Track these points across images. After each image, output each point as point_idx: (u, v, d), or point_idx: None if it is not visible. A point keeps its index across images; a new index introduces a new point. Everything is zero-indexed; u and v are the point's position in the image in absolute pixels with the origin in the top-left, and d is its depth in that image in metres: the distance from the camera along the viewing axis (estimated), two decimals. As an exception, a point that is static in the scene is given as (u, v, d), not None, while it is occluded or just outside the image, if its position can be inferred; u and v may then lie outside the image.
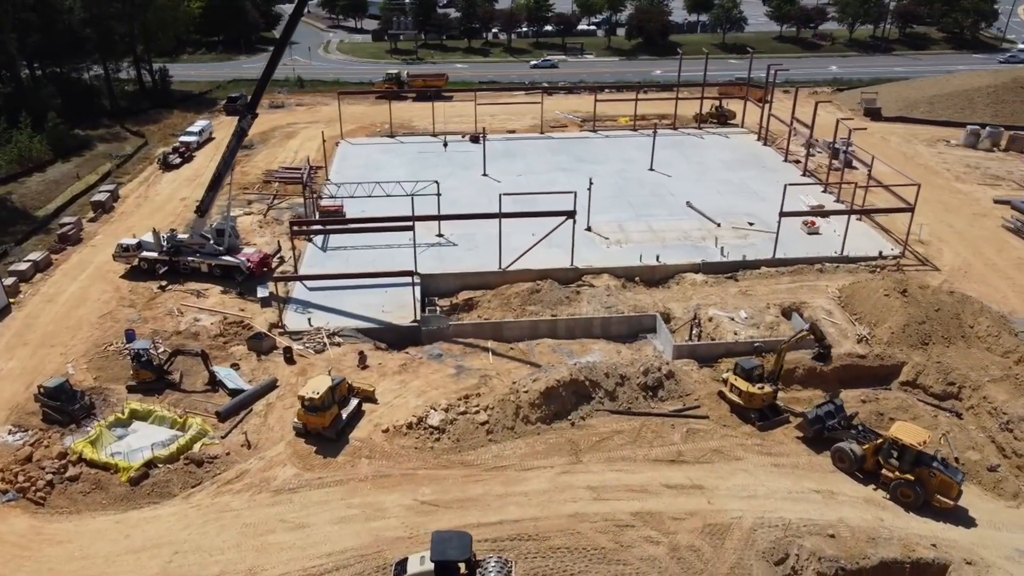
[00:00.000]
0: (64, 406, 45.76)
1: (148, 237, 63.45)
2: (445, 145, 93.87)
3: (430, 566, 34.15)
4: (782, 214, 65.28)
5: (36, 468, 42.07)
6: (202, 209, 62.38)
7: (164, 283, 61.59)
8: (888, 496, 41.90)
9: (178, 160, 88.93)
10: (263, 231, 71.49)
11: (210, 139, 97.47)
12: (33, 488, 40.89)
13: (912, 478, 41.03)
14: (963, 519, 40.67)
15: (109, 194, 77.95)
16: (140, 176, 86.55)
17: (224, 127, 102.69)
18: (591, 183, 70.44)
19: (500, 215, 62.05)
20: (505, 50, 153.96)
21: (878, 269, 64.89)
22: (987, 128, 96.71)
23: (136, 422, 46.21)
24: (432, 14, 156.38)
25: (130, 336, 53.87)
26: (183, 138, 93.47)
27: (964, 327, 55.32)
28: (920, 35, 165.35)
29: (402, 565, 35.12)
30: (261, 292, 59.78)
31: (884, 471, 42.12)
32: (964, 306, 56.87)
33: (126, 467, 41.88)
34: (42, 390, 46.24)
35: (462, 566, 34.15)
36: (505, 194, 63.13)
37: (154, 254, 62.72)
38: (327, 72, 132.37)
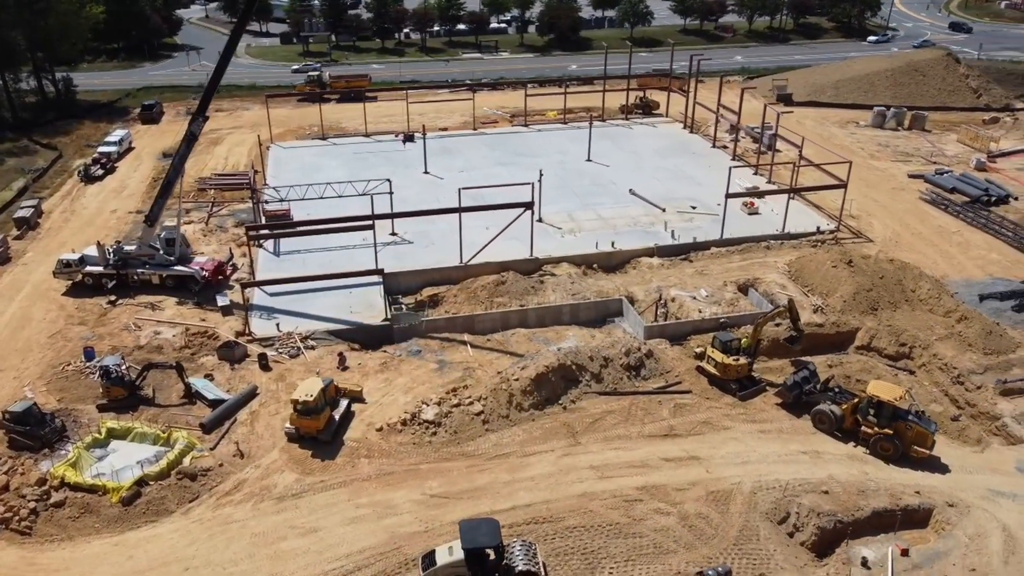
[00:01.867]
0: (34, 430, 43.21)
1: (91, 251, 60.36)
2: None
3: (460, 555, 34.24)
4: (728, 196, 67.98)
5: (16, 497, 39.66)
6: (151, 218, 59.79)
7: (113, 298, 58.76)
8: (868, 451, 44.55)
9: (100, 172, 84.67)
10: (208, 239, 69.07)
11: (130, 149, 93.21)
12: (16, 518, 38.57)
13: (891, 432, 43.76)
14: (938, 466, 43.72)
15: (32, 210, 73.58)
16: (61, 190, 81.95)
17: (142, 136, 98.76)
18: (541, 175, 71.42)
19: (460, 209, 62.13)
20: (420, 50, 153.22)
21: (819, 243, 68.46)
22: (891, 109, 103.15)
23: (114, 441, 44.13)
24: (343, 15, 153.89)
25: (89, 354, 51.30)
26: (102, 149, 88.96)
27: (907, 292, 59.14)
28: (813, 25, 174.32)
29: (430, 558, 35.02)
30: (221, 301, 57.93)
31: (863, 428, 44.73)
32: (904, 272, 60.83)
33: (115, 487, 39.99)
34: (7, 415, 43.50)
35: (491, 552, 34.37)
36: (464, 188, 63.28)
37: (99, 268, 59.72)
38: (241, 76, 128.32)
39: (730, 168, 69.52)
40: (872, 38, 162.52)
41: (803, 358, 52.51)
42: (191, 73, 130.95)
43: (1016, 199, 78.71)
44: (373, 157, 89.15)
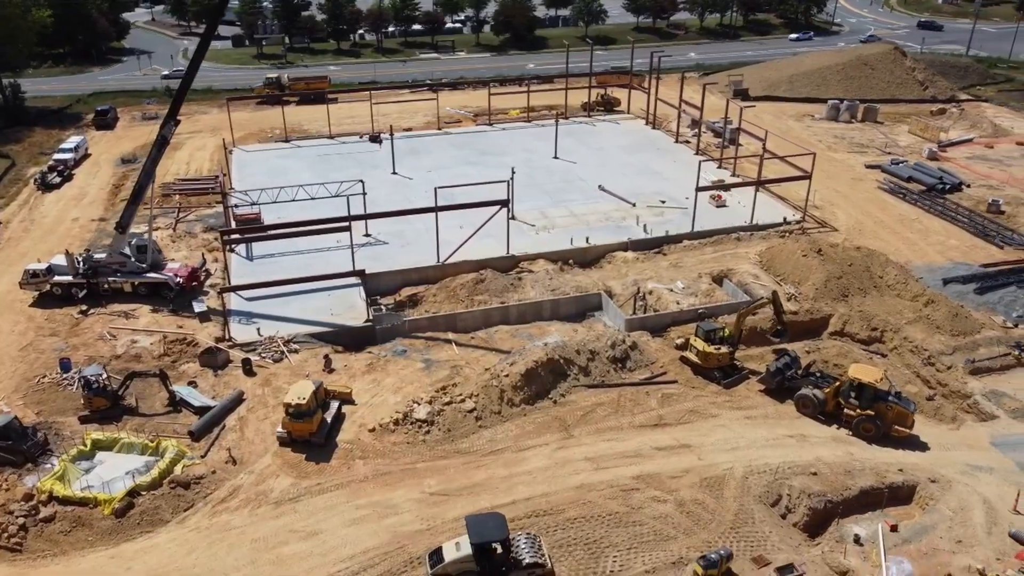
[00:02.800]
0: (16, 445, 42.04)
1: (59, 260, 58.81)
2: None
3: (467, 551, 34.40)
4: (698, 189, 69.23)
5: (2, 513, 38.56)
6: (122, 225, 58.40)
7: (85, 308, 57.35)
8: (851, 432, 45.91)
9: (58, 179, 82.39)
10: (177, 245, 67.78)
11: (87, 155, 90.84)
12: (5, 535, 37.49)
13: (872, 413, 45.17)
14: (918, 444, 45.32)
15: (-10, 220, 71.46)
16: (18, 199, 79.52)
17: (98, 142, 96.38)
18: (513, 172, 71.71)
19: (437, 208, 62.12)
20: (376, 50, 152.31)
21: (787, 234, 70.13)
22: (844, 102, 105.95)
23: (100, 452, 43.16)
24: (297, 17, 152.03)
25: (65, 365, 50.05)
26: (58, 156, 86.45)
27: (875, 278, 60.99)
28: (762, 22, 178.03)
29: (437, 555, 35.11)
30: (198, 307, 57.03)
31: (846, 410, 46.07)
32: (871, 259, 62.70)
33: (107, 499, 39.17)
34: (-12, 430, 42.23)
35: (498, 546, 34.59)
36: (440, 187, 63.33)
37: (68, 278, 58.24)
38: (196, 80, 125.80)
39: (700, 162, 70.83)
40: (793, 36, 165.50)
41: (782, 345, 53.78)
42: (143, 77, 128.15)
43: (968, 186, 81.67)
44: (340, 159, 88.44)
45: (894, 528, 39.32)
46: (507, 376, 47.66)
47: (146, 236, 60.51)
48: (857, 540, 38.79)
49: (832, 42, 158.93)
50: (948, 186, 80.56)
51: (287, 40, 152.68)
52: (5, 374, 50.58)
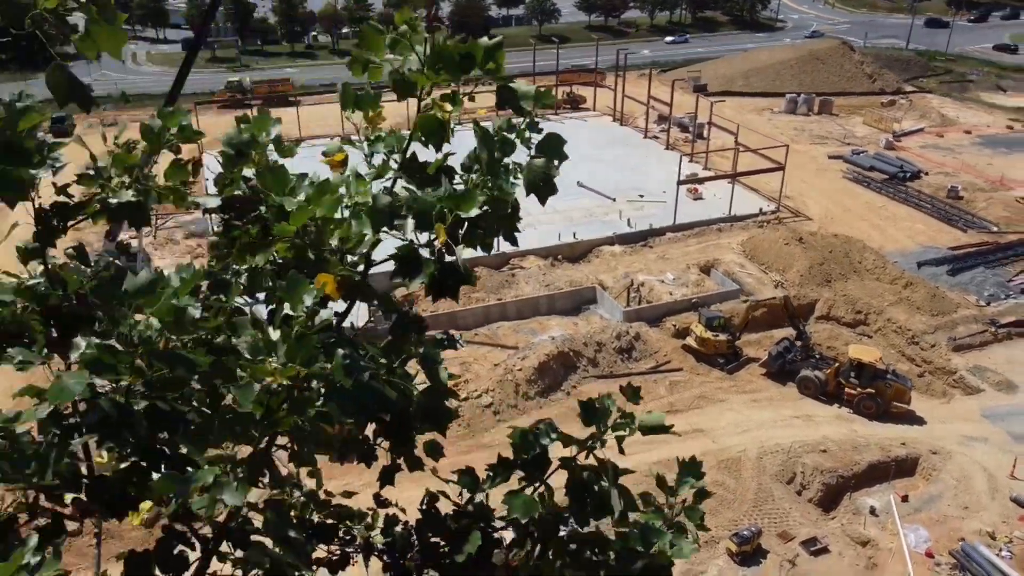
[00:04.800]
0: (30, 460, 41.11)
1: (44, 271, 57.39)
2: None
3: (512, 540, 35.04)
4: (679, 183, 71.07)
5: (26, 529, 37.69)
6: (113, 234, 57.24)
7: (75, 319, 56.12)
8: (852, 411, 48.02)
9: (23, 189, 79.97)
10: (161, 252, 66.72)
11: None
12: (33, 550, 36.69)
13: (872, 391, 47.33)
14: (915, 420, 47.62)
15: (-42, 233, 68.92)
16: (-17, 210, 77.01)
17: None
18: (498, 171, 72.46)
19: (429, 208, 62.46)
20: (331, 52, 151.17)
21: (764, 224, 72.48)
22: (802, 96, 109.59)
23: (118, 464, 42.44)
24: (249, 19, 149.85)
25: (66, 378, 48.97)
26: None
27: (854, 263, 63.57)
28: (709, 19, 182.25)
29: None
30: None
31: (847, 390, 48.16)
32: (849, 246, 65.33)
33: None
34: None
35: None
36: (432, 187, 63.63)
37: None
38: (151, 85, 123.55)
39: (680, 157, 72.70)
40: (668, 39, 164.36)
41: (775, 330, 55.78)
42: (98, 83, 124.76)
43: (927, 174, 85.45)
44: (317, 161, 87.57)
45: (905, 499, 41.40)
46: (520, 370, 48.48)
47: (135, 243, 59.51)
48: (873, 511, 40.73)
49: (683, 48, 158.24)
50: (908, 174, 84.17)
51: (240, 43, 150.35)
52: (5, 390, 49.15)
